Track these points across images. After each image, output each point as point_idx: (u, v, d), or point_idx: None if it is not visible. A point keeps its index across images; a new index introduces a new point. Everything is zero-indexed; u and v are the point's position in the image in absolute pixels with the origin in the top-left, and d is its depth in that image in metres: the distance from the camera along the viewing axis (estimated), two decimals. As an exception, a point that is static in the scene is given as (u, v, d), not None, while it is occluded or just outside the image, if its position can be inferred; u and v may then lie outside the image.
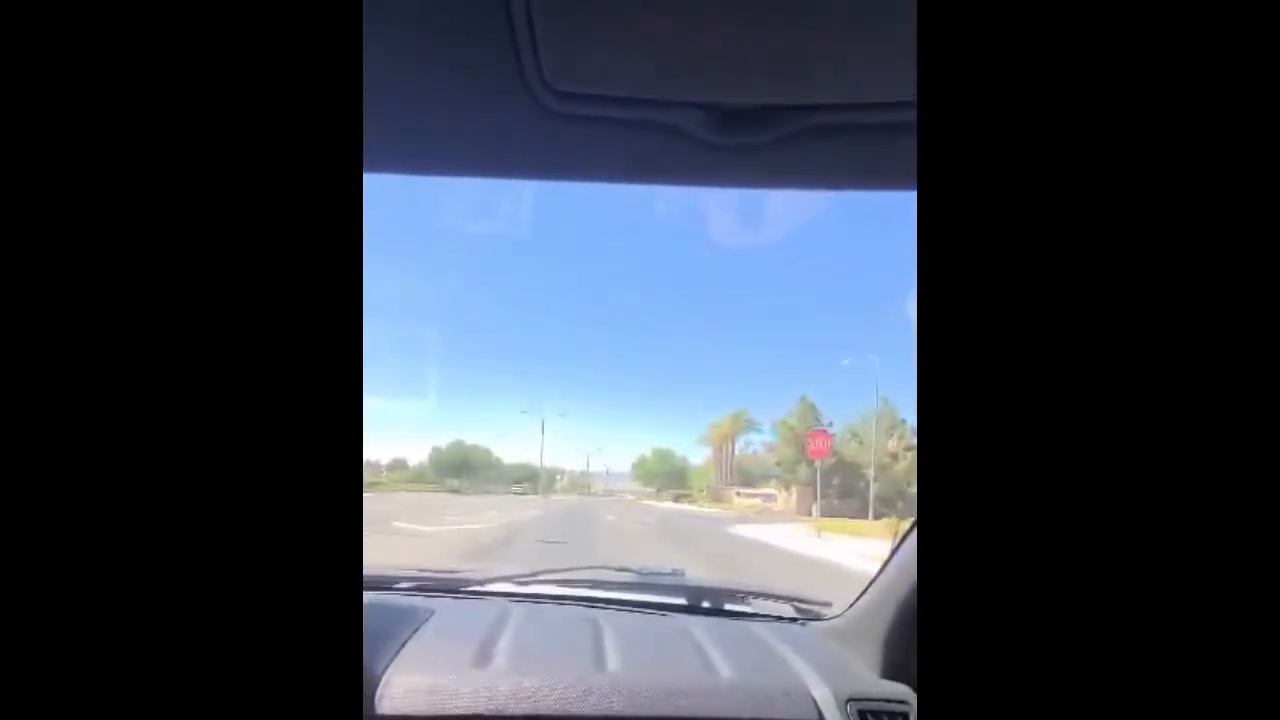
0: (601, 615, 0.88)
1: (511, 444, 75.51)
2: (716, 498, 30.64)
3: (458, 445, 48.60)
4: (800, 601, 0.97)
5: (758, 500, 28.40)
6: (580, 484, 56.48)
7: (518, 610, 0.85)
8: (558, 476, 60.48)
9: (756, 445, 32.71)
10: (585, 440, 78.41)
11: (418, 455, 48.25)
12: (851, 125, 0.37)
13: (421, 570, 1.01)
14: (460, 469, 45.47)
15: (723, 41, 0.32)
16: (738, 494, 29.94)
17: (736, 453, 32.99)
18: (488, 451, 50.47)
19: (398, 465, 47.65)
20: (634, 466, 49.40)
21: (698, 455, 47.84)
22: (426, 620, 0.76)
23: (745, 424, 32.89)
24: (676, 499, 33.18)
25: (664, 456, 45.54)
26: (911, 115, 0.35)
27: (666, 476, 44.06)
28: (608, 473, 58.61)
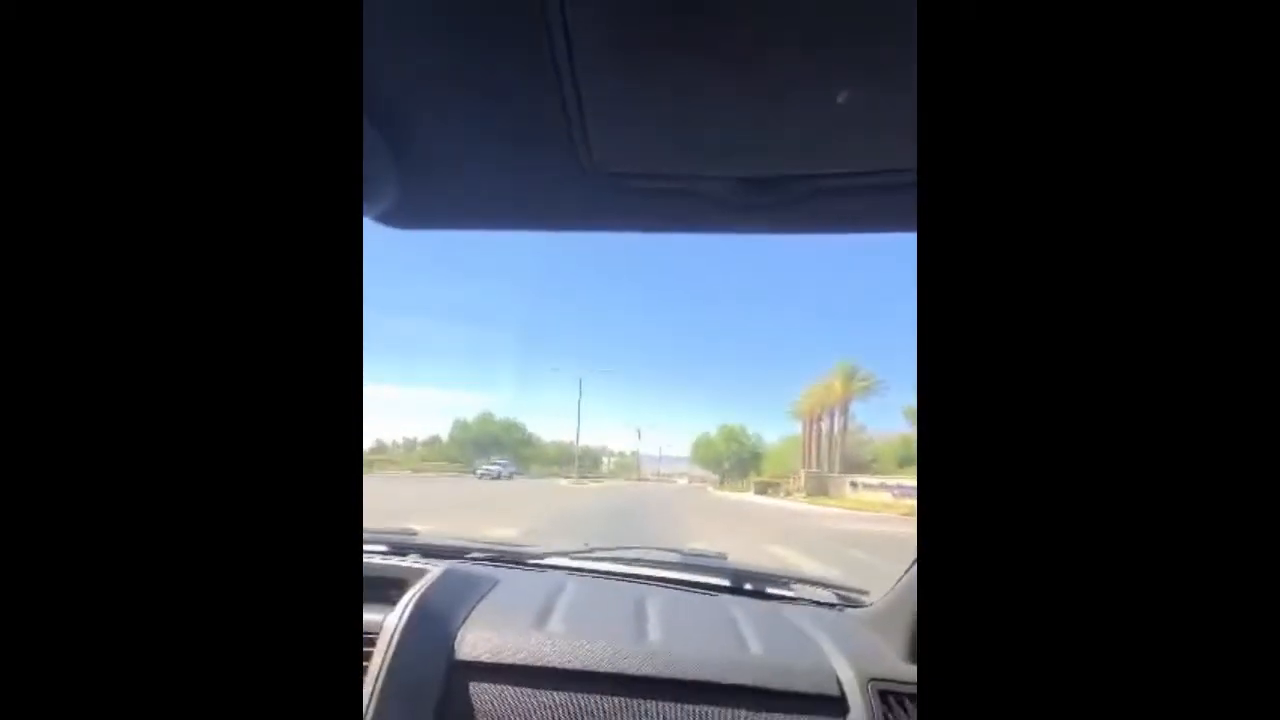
0: (647, 591, 0.93)
1: (552, 421, 68.31)
2: (820, 489, 21.68)
3: (486, 419, 41.31)
4: (841, 589, 1.01)
5: (887, 495, 19.16)
6: (628, 465, 48.95)
7: (572, 582, 0.93)
8: (604, 458, 53.44)
9: (861, 416, 23.49)
10: (635, 416, 70.51)
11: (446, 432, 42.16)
12: (851, 186, 0.45)
13: (489, 543, 1.11)
14: (489, 448, 38.74)
15: (747, 127, 0.40)
16: (852, 484, 20.88)
17: (845, 428, 23.69)
18: (521, 427, 43.00)
19: (410, 444, 41.85)
20: (694, 447, 41.00)
21: (775, 433, 39.09)
22: (494, 587, 0.84)
23: (864, 385, 23.46)
24: (761, 489, 24.28)
25: (733, 435, 36.71)
26: (900, 179, 0.43)
27: (735, 459, 35.39)
28: (660, 456, 51.07)
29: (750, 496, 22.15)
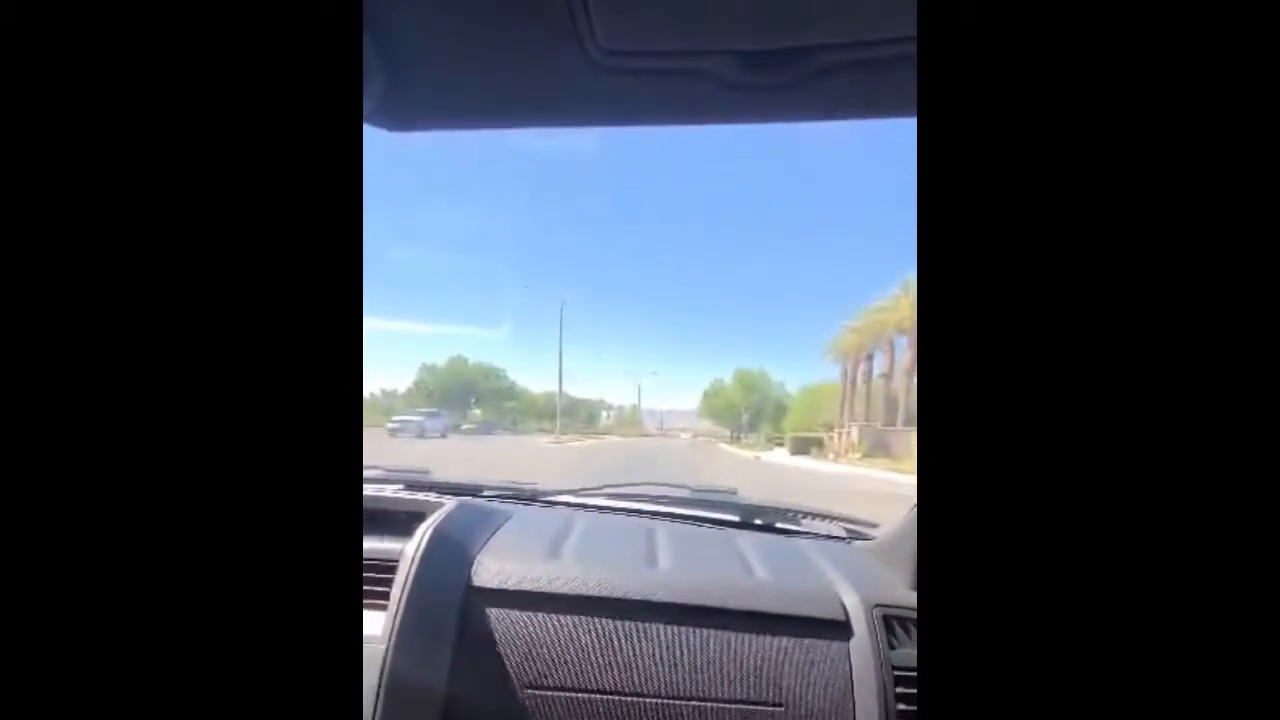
0: (657, 525, 0.96)
1: (542, 372, 62.83)
2: (880, 447, 16.10)
3: (457, 364, 35.14)
4: (851, 523, 1.04)
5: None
6: (628, 420, 43.75)
7: (584, 517, 0.96)
8: (602, 411, 48.40)
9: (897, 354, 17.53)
10: (638, 364, 65.04)
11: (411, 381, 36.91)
12: (868, 59, 0.42)
13: (503, 482, 1.15)
14: (461, 398, 33.57)
15: None
16: (923, 442, 15.13)
17: (910, 365, 17.80)
18: (501, 373, 36.88)
19: (390, 395, 36.71)
20: (705, 397, 35.42)
21: (799, 380, 33.53)
22: (508, 520, 0.88)
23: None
24: (801, 448, 18.78)
25: (751, 383, 31.00)
26: (911, 49, 0.40)
27: (755, 411, 29.87)
28: (666, 410, 45.99)
29: (783, 458, 16.62)
